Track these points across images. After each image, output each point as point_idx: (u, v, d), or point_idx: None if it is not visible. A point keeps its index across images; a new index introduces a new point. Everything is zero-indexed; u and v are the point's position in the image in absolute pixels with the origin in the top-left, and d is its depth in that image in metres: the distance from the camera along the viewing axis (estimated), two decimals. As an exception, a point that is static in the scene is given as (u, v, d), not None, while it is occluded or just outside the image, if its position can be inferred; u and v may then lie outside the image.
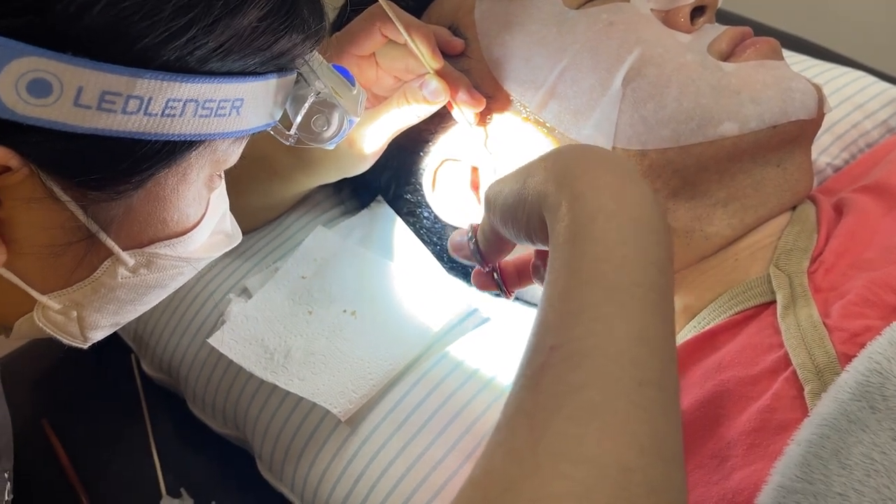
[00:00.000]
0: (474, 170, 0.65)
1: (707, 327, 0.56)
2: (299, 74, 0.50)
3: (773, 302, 0.55)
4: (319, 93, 0.51)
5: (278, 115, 0.50)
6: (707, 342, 0.56)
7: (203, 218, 0.51)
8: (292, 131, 0.52)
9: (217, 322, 0.73)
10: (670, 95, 0.59)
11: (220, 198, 0.53)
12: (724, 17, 0.67)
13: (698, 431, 0.50)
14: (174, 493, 0.72)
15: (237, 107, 0.44)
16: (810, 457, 0.43)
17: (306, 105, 0.51)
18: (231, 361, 0.69)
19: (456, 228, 0.67)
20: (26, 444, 0.77)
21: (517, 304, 0.72)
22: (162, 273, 0.50)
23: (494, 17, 0.64)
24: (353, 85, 0.55)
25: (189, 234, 0.50)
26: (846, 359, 0.48)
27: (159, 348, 0.76)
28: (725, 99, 0.59)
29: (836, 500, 0.41)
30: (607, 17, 0.61)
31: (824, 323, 0.51)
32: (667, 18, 0.63)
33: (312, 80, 0.51)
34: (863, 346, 0.47)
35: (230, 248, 0.57)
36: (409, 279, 0.68)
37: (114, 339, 0.82)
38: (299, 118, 0.52)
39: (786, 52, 0.70)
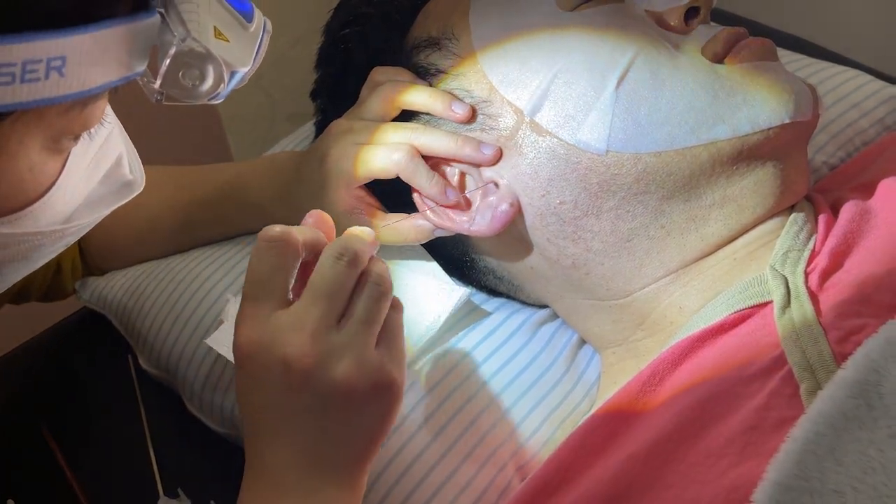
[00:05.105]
0: (462, 175, 0.64)
1: (704, 327, 0.56)
2: (161, 14, 0.41)
3: (770, 302, 0.55)
4: (185, 39, 0.41)
5: (141, 66, 0.42)
6: (704, 341, 0.56)
7: (53, 186, 0.44)
8: (156, 86, 0.43)
9: (214, 322, 0.73)
10: (664, 98, 0.59)
11: (95, 155, 0.47)
12: (720, 17, 0.67)
13: (693, 429, 0.50)
14: (171, 494, 0.72)
15: (56, 67, 0.37)
16: (806, 454, 0.43)
17: (169, 56, 0.42)
18: (229, 360, 0.69)
19: (443, 233, 0.66)
20: (24, 445, 0.77)
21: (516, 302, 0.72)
22: (6, 250, 0.45)
23: (489, 20, 0.64)
24: (250, 21, 0.44)
25: (32, 208, 0.44)
26: (842, 357, 0.48)
27: (157, 345, 0.76)
28: (719, 101, 0.59)
29: (833, 498, 0.41)
30: (601, 19, 0.61)
31: (820, 322, 0.52)
32: (661, 20, 0.63)
33: (175, 21, 0.41)
34: (858, 344, 0.47)
35: (131, 196, 0.51)
36: (407, 276, 0.68)
37: (111, 339, 0.82)
38: (163, 71, 0.42)
39: (781, 52, 0.70)
